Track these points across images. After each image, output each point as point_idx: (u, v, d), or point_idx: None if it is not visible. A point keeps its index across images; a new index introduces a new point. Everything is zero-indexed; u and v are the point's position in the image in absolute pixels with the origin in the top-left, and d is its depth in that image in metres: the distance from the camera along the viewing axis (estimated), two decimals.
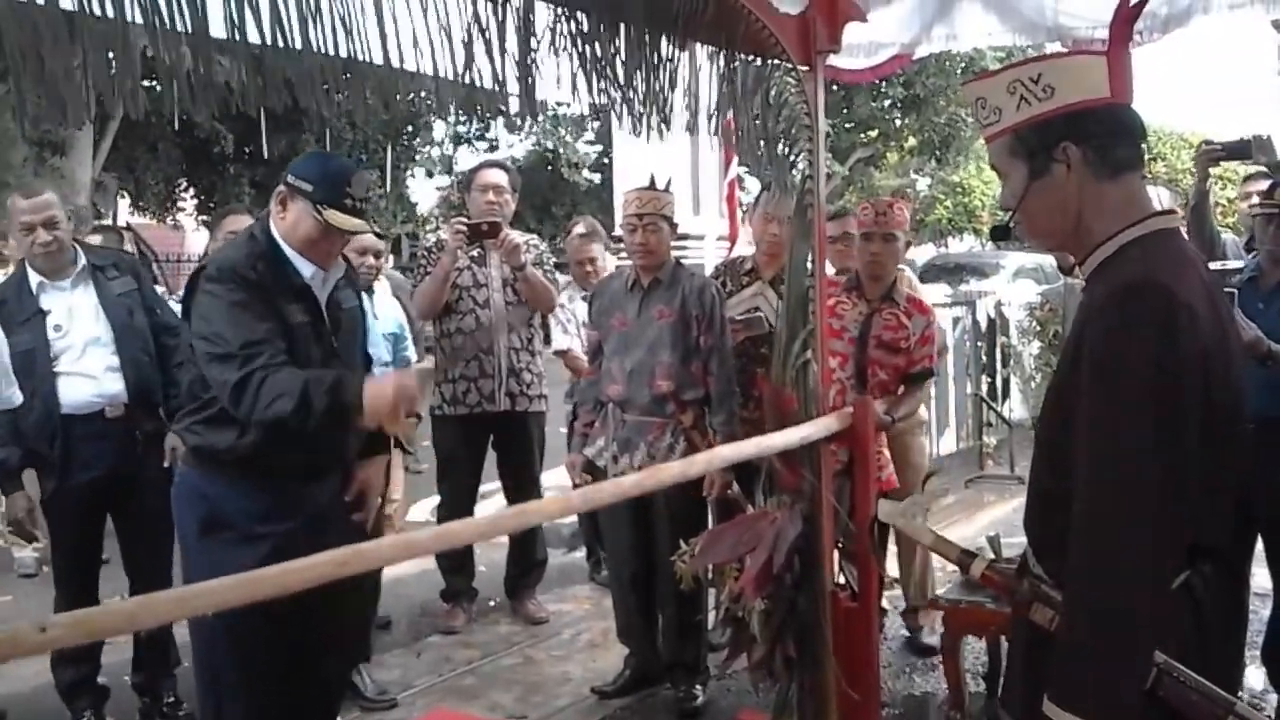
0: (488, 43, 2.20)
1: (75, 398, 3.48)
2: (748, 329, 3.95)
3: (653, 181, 3.79)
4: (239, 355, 2.46)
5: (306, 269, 2.67)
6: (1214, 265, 3.87)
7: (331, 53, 1.83)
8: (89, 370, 3.50)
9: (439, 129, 21.71)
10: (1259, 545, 3.61)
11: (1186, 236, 4.52)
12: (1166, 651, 1.51)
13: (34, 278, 3.54)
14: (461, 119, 20.98)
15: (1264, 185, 4.20)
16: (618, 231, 6.82)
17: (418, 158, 22.21)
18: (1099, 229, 1.64)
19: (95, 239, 5.74)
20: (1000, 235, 1.85)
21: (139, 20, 1.56)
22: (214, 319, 2.53)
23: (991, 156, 1.77)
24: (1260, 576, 3.62)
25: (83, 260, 3.60)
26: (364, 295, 3.14)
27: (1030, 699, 1.58)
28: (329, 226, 2.59)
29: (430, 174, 23.13)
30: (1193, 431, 1.49)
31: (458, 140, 23.07)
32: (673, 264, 3.81)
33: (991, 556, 1.86)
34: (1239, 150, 3.83)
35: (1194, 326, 1.49)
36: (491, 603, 4.91)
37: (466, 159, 22.41)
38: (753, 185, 12.75)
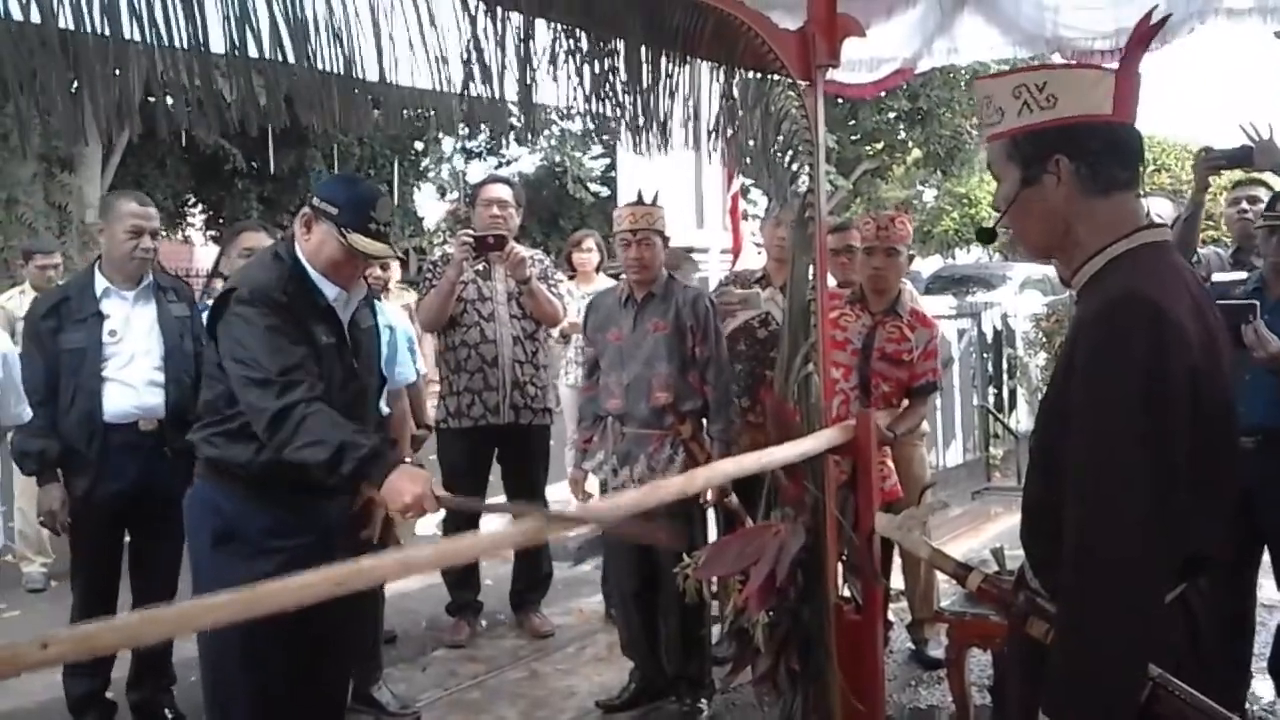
0: (485, 61, 2.22)
1: (114, 405, 3.52)
2: (745, 306, 3.96)
3: (640, 197, 3.82)
4: (278, 382, 2.47)
5: (330, 290, 2.69)
6: (1218, 277, 3.85)
7: (330, 70, 1.85)
8: (132, 380, 3.54)
9: (448, 145, 21.78)
10: (1265, 558, 3.62)
11: None
12: (1163, 665, 1.50)
13: (100, 282, 3.59)
14: (470, 135, 21.05)
15: (1254, 192, 4.17)
16: None
17: (429, 175, 22.28)
18: (1089, 242, 1.64)
19: None
20: (986, 237, 1.85)
21: (137, 39, 1.58)
22: (249, 343, 2.53)
23: (989, 157, 1.77)
24: (1268, 589, 3.62)
25: (149, 277, 3.67)
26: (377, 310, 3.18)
27: (1027, 711, 1.58)
28: (353, 250, 2.61)
29: (443, 192, 23.19)
30: (1182, 445, 1.48)
31: (468, 155, 23.13)
32: (665, 277, 3.83)
33: (990, 569, 1.86)
34: (1241, 157, 3.76)
35: (1182, 340, 1.49)
36: (499, 616, 4.91)
37: (478, 174, 22.47)
38: (756, 197, 12.79)
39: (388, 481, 2.37)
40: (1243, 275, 3.83)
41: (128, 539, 3.70)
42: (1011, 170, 1.67)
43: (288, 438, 2.44)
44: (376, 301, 4.02)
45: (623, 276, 3.91)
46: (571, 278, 6.13)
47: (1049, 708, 1.51)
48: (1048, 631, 1.60)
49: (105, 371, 3.52)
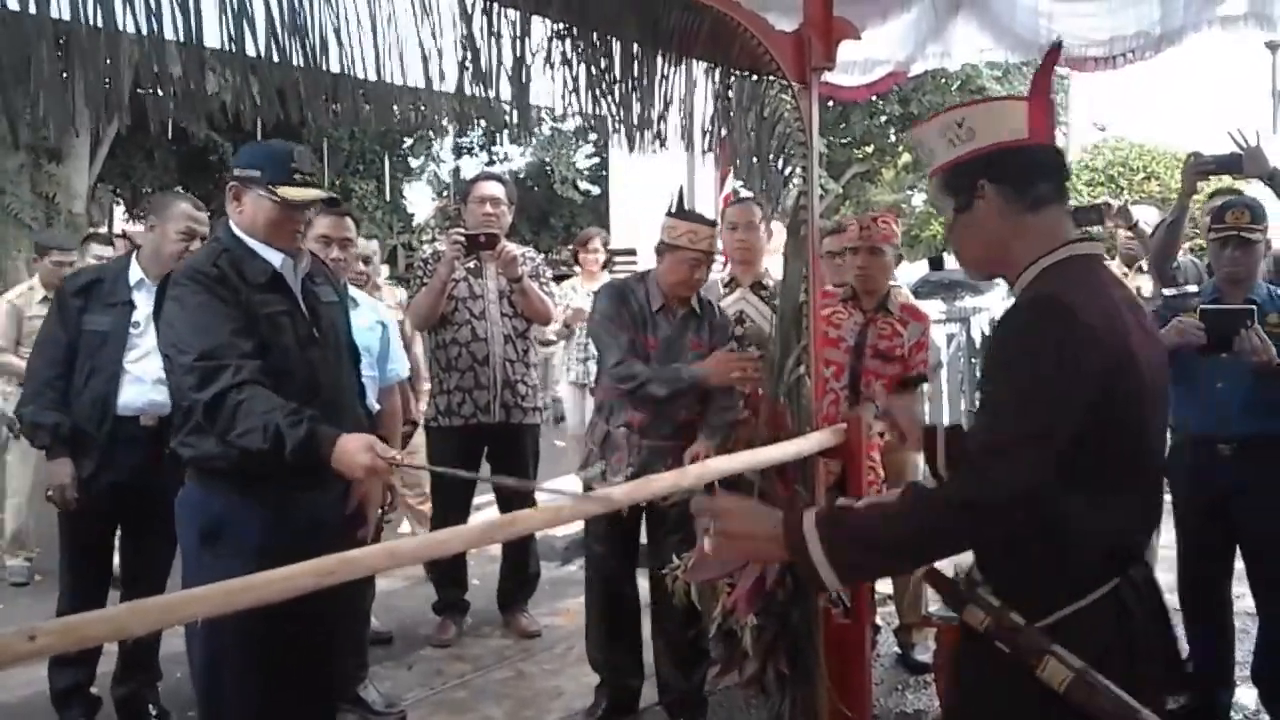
0: (479, 59, 2.21)
1: (126, 396, 3.50)
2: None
3: (694, 208, 3.73)
4: (199, 368, 2.48)
5: (275, 258, 2.68)
6: (1168, 291, 3.88)
7: (324, 66, 1.84)
8: (145, 375, 3.51)
9: (438, 143, 21.73)
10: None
11: (1148, 256, 4.51)
12: (1093, 657, 1.59)
13: (135, 272, 3.58)
14: (462, 132, 21.02)
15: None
16: (615, 245, 6.89)
17: (424, 175, 22.24)
18: (1023, 257, 1.75)
19: (107, 250, 5.74)
20: (937, 264, 1.97)
21: (130, 30, 1.57)
22: (176, 324, 2.56)
23: (929, 193, 1.94)
24: (1247, 598, 3.63)
25: None
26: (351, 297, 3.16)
27: (951, 691, 1.70)
28: (285, 203, 2.62)
29: (439, 193, 23.11)
30: (1064, 434, 1.57)
31: (460, 152, 23.08)
32: (698, 294, 3.72)
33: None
34: (1229, 164, 3.79)
35: (1092, 343, 1.58)
36: (485, 616, 4.90)
37: (470, 171, 22.38)
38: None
39: (336, 452, 2.39)
40: (1194, 288, 3.85)
41: (119, 538, 3.68)
42: (947, 201, 1.82)
43: (226, 426, 2.45)
44: (362, 293, 4.02)
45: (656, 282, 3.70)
46: (566, 277, 6.16)
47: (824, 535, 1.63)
48: (982, 620, 1.69)
49: (124, 361, 3.51)
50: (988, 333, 8.36)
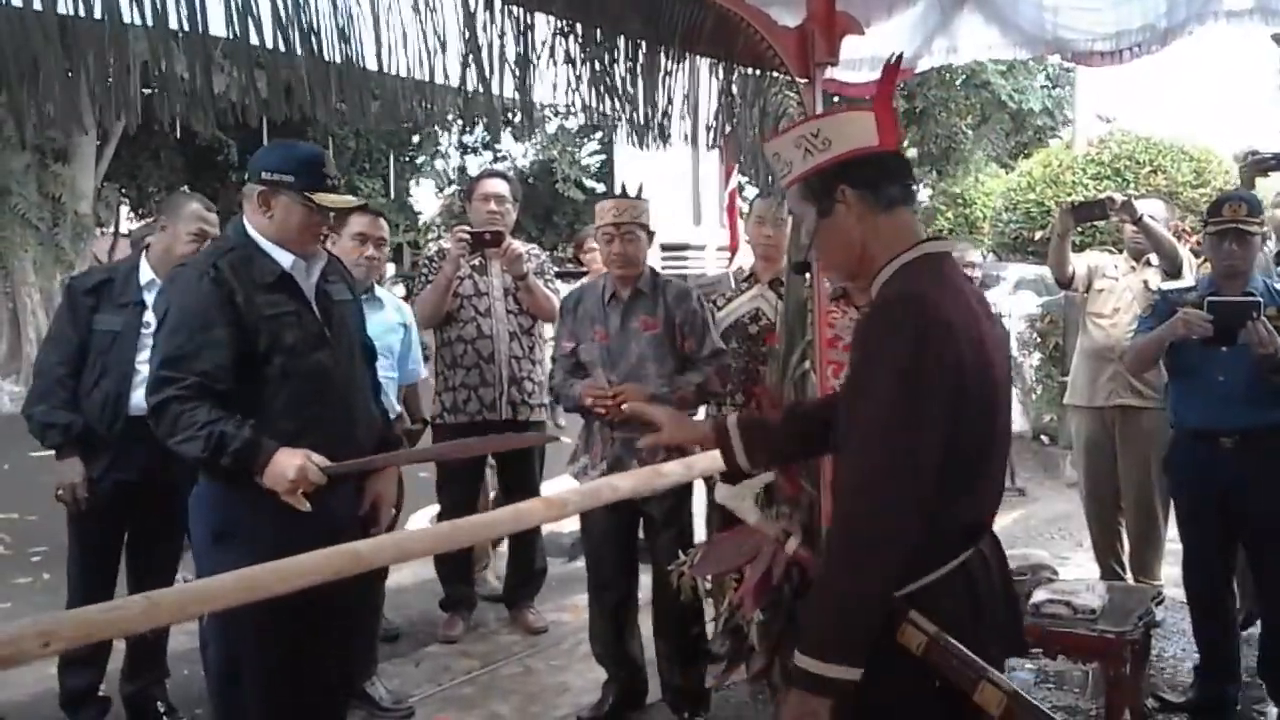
0: (483, 56, 2.22)
1: (137, 396, 3.45)
2: (715, 289, 4.03)
3: (624, 190, 3.68)
4: (154, 373, 2.56)
5: (285, 258, 2.69)
6: (1165, 286, 3.88)
7: (330, 60, 1.85)
8: None
9: (444, 139, 21.71)
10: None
11: (1198, 251, 4.48)
12: (945, 622, 1.71)
13: (145, 272, 3.58)
14: (468, 129, 21.01)
15: None
16: None
17: (425, 170, 22.23)
18: (879, 257, 1.86)
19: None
20: (801, 269, 2.20)
21: (138, 23, 1.57)
22: (166, 323, 2.61)
23: (789, 202, 2.04)
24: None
25: None
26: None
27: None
28: (322, 209, 2.65)
29: (441, 189, 23.12)
30: (939, 427, 1.67)
31: (464, 150, 23.08)
32: (649, 274, 3.70)
33: None
34: None
35: (947, 335, 1.68)
36: (491, 612, 4.91)
37: (474, 169, 22.36)
38: (753, 194, 12.78)
39: (269, 467, 2.48)
40: (1190, 283, 3.85)
41: (129, 540, 3.67)
42: (808, 208, 1.91)
43: (167, 432, 2.53)
44: (387, 293, 4.02)
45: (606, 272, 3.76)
46: (574, 275, 6.15)
47: (802, 645, 1.70)
48: None
49: (137, 361, 3.48)
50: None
